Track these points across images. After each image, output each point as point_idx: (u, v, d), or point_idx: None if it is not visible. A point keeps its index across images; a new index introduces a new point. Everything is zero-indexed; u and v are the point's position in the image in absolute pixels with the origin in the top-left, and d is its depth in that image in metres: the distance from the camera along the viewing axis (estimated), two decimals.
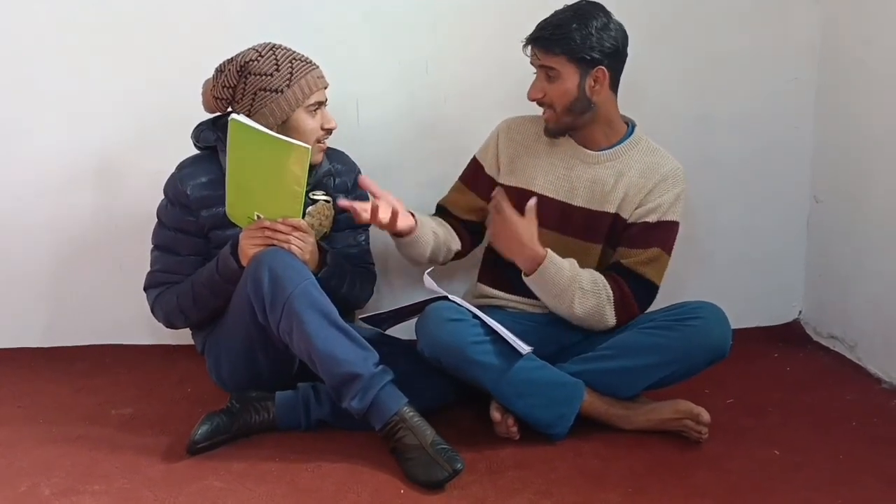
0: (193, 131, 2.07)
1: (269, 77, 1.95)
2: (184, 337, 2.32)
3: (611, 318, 2.02)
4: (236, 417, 1.96)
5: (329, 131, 2.05)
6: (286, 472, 1.83)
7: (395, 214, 1.96)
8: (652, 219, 2.06)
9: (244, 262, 1.91)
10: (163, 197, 2.08)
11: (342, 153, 2.19)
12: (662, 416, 1.97)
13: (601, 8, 2.02)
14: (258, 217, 1.89)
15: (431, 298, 1.99)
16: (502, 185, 2.15)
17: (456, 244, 2.19)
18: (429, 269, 2.01)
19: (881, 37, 2.30)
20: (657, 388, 2.01)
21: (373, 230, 2.26)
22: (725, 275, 2.64)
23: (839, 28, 2.48)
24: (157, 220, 2.09)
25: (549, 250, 1.99)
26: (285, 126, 1.97)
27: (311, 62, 2.01)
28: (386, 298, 2.46)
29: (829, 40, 2.51)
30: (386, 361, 1.89)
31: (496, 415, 1.96)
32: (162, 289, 2.07)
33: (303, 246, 1.91)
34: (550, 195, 2.10)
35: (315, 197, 2.08)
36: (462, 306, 1.95)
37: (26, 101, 2.44)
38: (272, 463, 1.87)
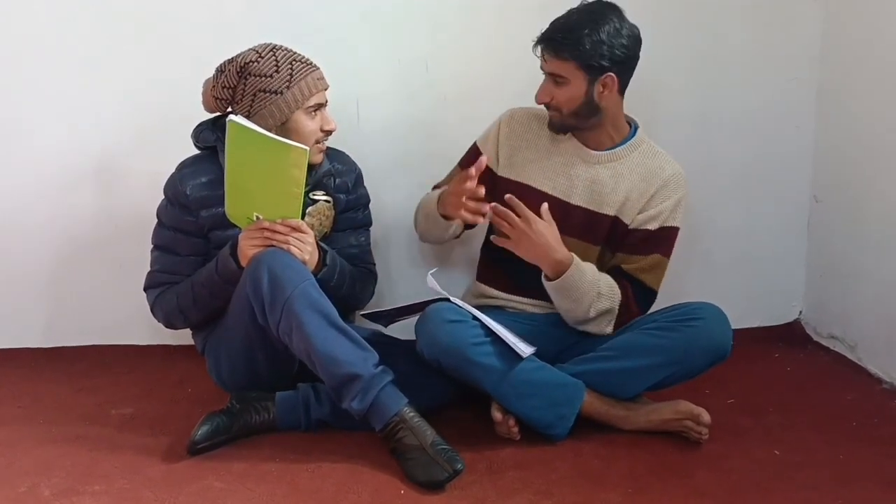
0: (193, 131, 2.07)
1: (268, 78, 1.95)
2: (184, 337, 2.32)
3: (611, 326, 2.03)
4: (236, 418, 1.96)
5: (328, 133, 2.04)
6: (286, 472, 1.83)
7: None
8: (653, 226, 2.06)
9: (243, 263, 1.91)
10: (163, 197, 2.08)
11: (342, 153, 2.18)
12: (663, 417, 1.97)
13: (616, 10, 1.98)
14: (257, 218, 1.89)
15: (432, 299, 1.98)
16: (500, 178, 2.14)
17: (460, 229, 2.18)
18: (432, 270, 2.01)
19: (881, 37, 2.30)
20: (658, 388, 2.01)
21: (375, 229, 2.27)
22: (726, 275, 2.64)
23: (840, 28, 2.48)
24: (157, 220, 2.09)
25: (574, 255, 1.98)
26: (285, 127, 1.97)
27: (311, 64, 2.01)
28: (386, 299, 2.46)
29: (830, 40, 2.51)
30: (386, 362, 1.89)
31: (497, 415, 1.96)
32: (162, 289, 2.07)
33: (302, 246, 1.91)
34: (548, 192, 2.09)
35: (315, 197, 2.08)
36: (463, 308, 1.95)
37: (26, 101, 2.44)
38: (272, 463, 1.87)
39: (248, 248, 1.90)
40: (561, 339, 2.09)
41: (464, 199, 1.94)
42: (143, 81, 2.42)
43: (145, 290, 2.11)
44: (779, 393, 2.24)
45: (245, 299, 1.88)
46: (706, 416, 1.93)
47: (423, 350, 1.94)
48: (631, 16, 2.04)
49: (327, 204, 2.10)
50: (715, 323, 1.96)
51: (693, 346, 1.94)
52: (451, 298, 1.97)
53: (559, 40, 1.95)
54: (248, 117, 1.95)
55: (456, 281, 2.47)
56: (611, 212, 2.07)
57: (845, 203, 2.49)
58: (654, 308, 2.09)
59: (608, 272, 2.06)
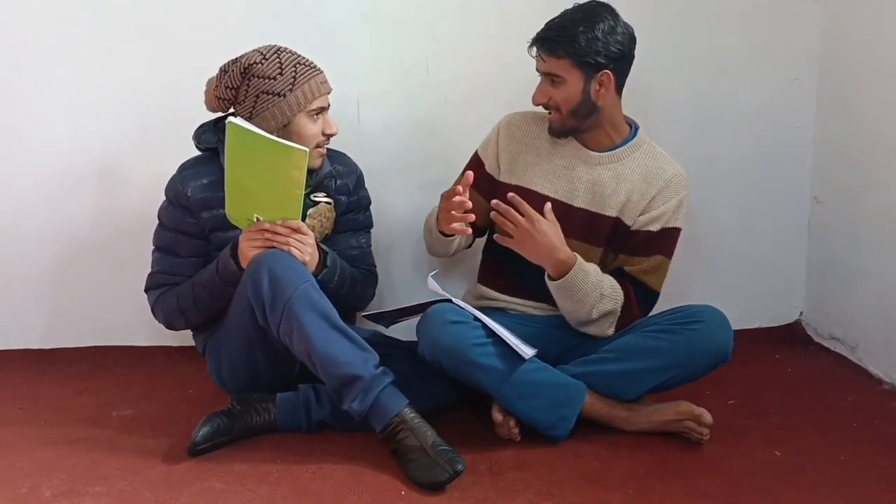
0: (195, 133, 2.07)
1: (272, 81, 1.95)
2: (185, 338, 2.32)
3: (612, 328, 2.03)
4: (237, 419, 1.96)
5: (330, 137, 2.04)
6: (287, 473, 1.83)
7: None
8: (655, 227, 2.06)
9: (244, 264, 1.91)
10: (163, 198, 2.08)
11: (343, 155, 2.19)
12: (664, 418, 1.97)
13: (609, 10, 1.99)
14: (258, 219, 1.89)
15: (434, 301, 1.98)
16: (502, 184, 2.14)
17: (466, 241, 2.20)
18: (433, 272, 2.01)
19: (881, 37, 2.30)
20: (659, 391, 2.01)
21: (376, 231, 2.27)
22: (726, 276, 2.64)
23: (840, 28, 2.48)
24: (157, 221, 2.09)
25: (577, 255, 1.98)
26: (286, 130, 1.97)
27: (315, 67, 2.01)
28: (387, 300, 2.46)
29: (830, 40, 2.51)
30: (386, 363, 1.89)
31: (498, 416, 1.96)
32: (162, 290, 2.07)
33: (302, 248, 1.91)
34: (550, 195, 2.09)
35: (316, 199, 2.09)
36: (464, 309, 1.95)
37: (27, 103, 2.44)
38: (273, 464, 1.87)
39: (248, 249, 1.90)
40: (562, 341, 2.09)
41: (453, 213, 1.95)
42: (144, 83, 2.42)
43: (146, 291, 2.11)
44: (780, 394, 2.24)
45: (245, 300, 1.88)
46: (707, 417, 1.93)
47: (424, 351, 1.94)
48: (631, 16, 2.04)
49: (328, 206, 2.10)
50: (716, 326, 1.96)
51: (694, 350, 1.94)
52: (453, 300, 1.97)
53: (554, 38, 1.96)
54: (250, 118, 1.96)
55: (457, 283, 2.48)
56: (612, 213, 2.07)
57: (845, 203, 2.49)
58: (655, 310, 2.09)
59: (610, 274, 2.06)
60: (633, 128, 2.12)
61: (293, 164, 1.79)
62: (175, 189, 2.04)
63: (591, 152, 2.09)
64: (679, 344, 1.94)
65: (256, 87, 1.95)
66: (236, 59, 1.99)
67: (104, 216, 2.50)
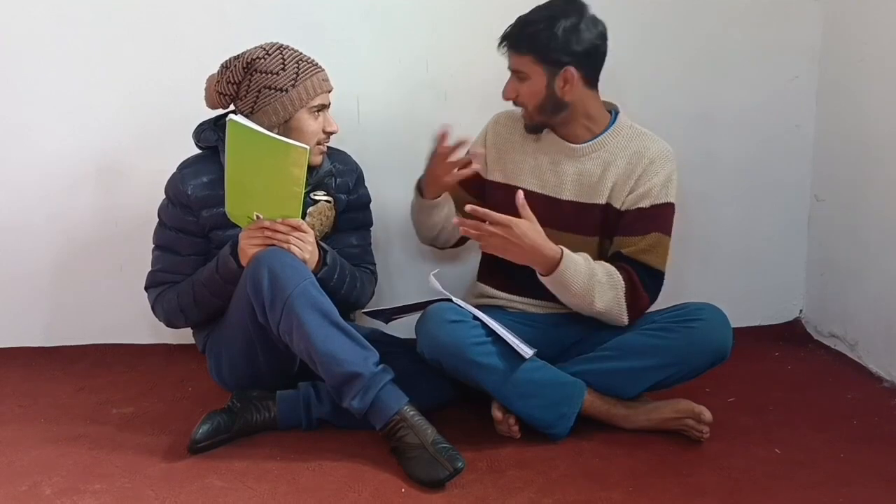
0: (195, 131, 2.07)
1: (274, 75, 1.95)
2: (185, 336, 2.32)
3: (624, 314, 2.00)
4: (237, 416, 1.96)
5: (330, 135, 2.05)
6: (287, 471, 1.83)
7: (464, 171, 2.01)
8: (645, 204, 2.03)
9: (244, 262, 1.91)
10: (164, 197, 2.08)
11: (344, 153, 2.19)
12: (663, 416, 1.97)
13: (577, 6, 1.98)
14: (258, 217, 1.89)
15: (434, 299, 1.98)
16: (490, 182, 2.15)
17: (459, 232, 2.17)
18: (434, 271, 2.01)
19: (882, 36, 2.30)
20: (658, 389, 2.01)
21: (376, 229, 2.27)
22: (726, 273, 2.64)
23: (840, 27, 2.48)
24: (158, 219, 2.09)
25: (563, 248, 1.95)
26: (287, 126, 1.97)
27: (317, 65, 2.01)
28: (387, 298, 2.46)
29: (830, 39, 2.51)
30: (386, 360, 1.89)
31: (497, 413, 1.96)
32: (163, 288, 2.07)
33: (302, 245, 1.91)
34: (538, 190, 2.10)
35: (316, 197, 2.09)
36: (464, 308, 1.95)
37: (27, 101, 2.44)
38: (273, 462, 1.87)
39: (248, 247, 1.90)
40: (561, 339, 2.09)
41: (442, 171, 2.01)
42: (144, 81, 2.43)
43: (146, 289, 2.11)
44: (779, 392, 2.24)
45: (245, 298, 1.88)
46: (707, 415, 1.93)
47: (423, 350, 1.94)
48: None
49: (328, 204, 2.11)
50: (715, 324, 1.96)
51: (693, 347, 1.94)
52: (453, 299, 1.97)
53: (515, 35, 1.98)
54: (251, 114, 1.96)
55: (456, 281, 2.47)
56: (601, 200, 2.06)
57: (845, 202, 2.49)
58: (654, 308, 2.08)
59: (610, 259, 2.03)
60: (614, 113, 2.11)
61: (293, 162, 1.80)
62: (175, 187, 2.04)
63: (573, 145, 2.08)
64: (678, 342, 1.94)
65: (259, 81, 1.96)
66: (238, 55, 1.99)
67: (104, 215, 2.50)
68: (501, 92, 2.05)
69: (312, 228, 1.98)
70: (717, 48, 2.53)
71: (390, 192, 2.40)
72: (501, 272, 2.16)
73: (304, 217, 1.99)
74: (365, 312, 2.13)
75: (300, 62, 1.99)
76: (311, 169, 1.97)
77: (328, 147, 2.10)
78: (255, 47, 2.00)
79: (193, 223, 2.04)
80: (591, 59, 2.00)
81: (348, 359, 1.84)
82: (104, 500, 1.73)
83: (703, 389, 2.15)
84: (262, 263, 1.85)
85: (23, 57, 2.42)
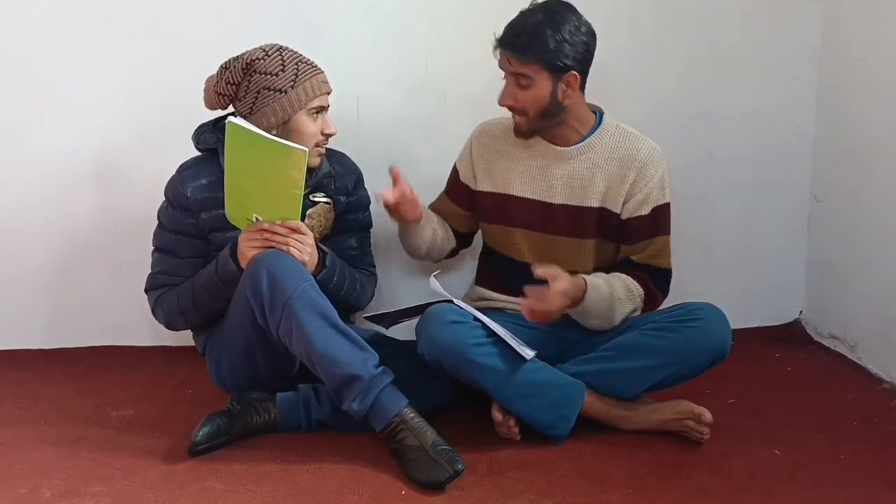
0: (194, 133, 2.07)
1: (273, 77, 1.95)
2: (184, 338, 2.31)
3: (639, 312, 2.06)
4: (237, 419, 1.96)
5: (328, 137, 2.04)
6: (287, 473, 1.83)
7: (407, 199, 2.01)
8: (646, 210, 2.06)
9: (243, 265, 1.91)
10: (163, 199, 2.08)
11: (343, 155, 2.19)
12: (663, 417, 1.97)
13: (571, 8, 1.98)
14: (257, 219, 1.89)
15: (435, 301, 1.98)
16: (480, 192, 2.15)
17: (451, 244, 2.24)
18: (435, 272, 2.01)
19: (881, 36, 2.30)
20: (658, 389, 2.01)
21: (376, 231, 2.27)
22: (726, 274, 2.64)
23: (839, 27, 2.47)
24: (157, 221, 2.09)
25: (584, 278, 1.96)
26: (286, 128, 1.97)
27: (316, 66, 2.01)
28: (387, 301, 2.46)
29: (830, 40, 2.51)
30: (386, 362, 1.89)
31: (497, 415, 1.96)
32: (162, 290, 2.07)
33: (301, 248, 1.91)
34: (529, 196, 2.10)
35: (315, 199, 2.09)
36: (465, 310, 1.95)
37: (27, 102, 2.44)
38: (273, 464, 1.87)
39: (247, 249, 1.90)
40: (561, 340, 2.10)
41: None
42: (144, 83, 2.42)
43: (146, 291, 2.11)
44: (779, 393, 2.24)
45: (245, 301, 1.88)
46: (707, 416, 1.94)
47: (424, 351, 1.94)
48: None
49: (327, 206, 2.11)
50: (714, 323, 1.96)
51: (693, 347, 1.94)
52: (455, 301, 1.97)
53: (525, 44, 1.94)
54: (249, 114, 1.96)
55: (455, 285, 2.47)
56: (595, 203, 2.07)
57: (845, 201, 2.49)
58: None
59: (620, 267, 2.07)
60: (598, 114, 2.11)
61: (292, 164, 1.79)
62: (174, 189, 2.04)
63: (562, 148, 2.09)
64: (678, 341, 1.94)
65: (258, 82, 1.95)
66: (237, 56, 1.99)
67: (104, 216, 2.50)
68: (498, 98, 2.03)
69: (311, 230, 1.98)
70: (716, 48, 2.52)
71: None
72: (500, 275, 2.17)
73: (303, 219, 1.98)
74: (366, 317, 2.12)
75: (299, 63, 1.98)
76: (310, 171, 1.97)
77: (327, 148, 2.09)
78: (255, 48, 1.99)
79: (193, 225, 2.04)
80: (589, 62, 2.01)
81: (348, 361, 1.84)
82: (104, 503, 1.73)
83: (703, 391, 2.15)
84: (261, 265, 1.85)
85: (23, 57, 2.42)
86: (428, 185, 2.30)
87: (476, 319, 1.93)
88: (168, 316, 2.07)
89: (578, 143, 2.08)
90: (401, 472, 1.81)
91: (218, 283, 1.96)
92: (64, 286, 2.54)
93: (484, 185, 2.16)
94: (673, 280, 2.15)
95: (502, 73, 2.03)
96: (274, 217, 1.88)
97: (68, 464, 1.88)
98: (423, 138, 2.49)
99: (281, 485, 1.79)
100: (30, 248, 2.51)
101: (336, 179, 2.13)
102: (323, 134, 2.03)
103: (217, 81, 2.00)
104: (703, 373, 1.99)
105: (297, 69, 1.97)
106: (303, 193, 1.86)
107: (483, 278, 2.24)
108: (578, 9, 2.00)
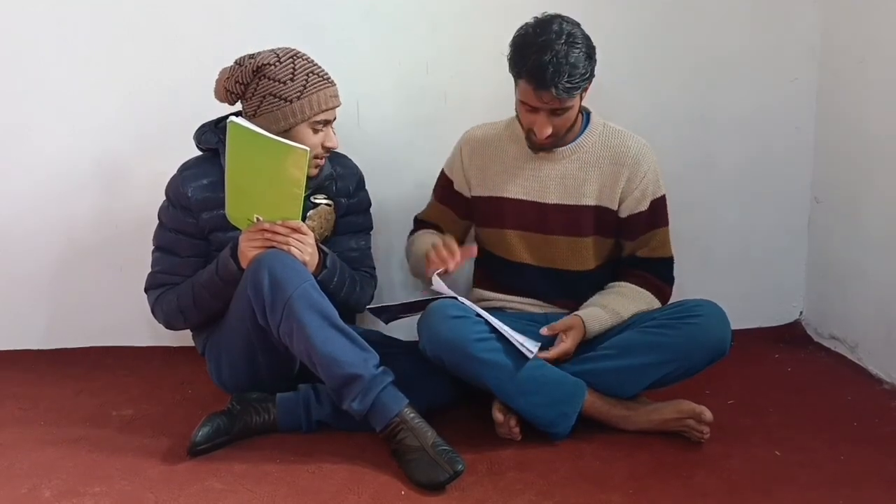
0: (196, 133, 2.07)
1: (281, 84, 1.94)
2: (184, 338, 2.32)
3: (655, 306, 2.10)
4: (237, 419, 1.96)
5: (329, 150, 2.04)
6: (287, 473, 1.83)
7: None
8: (645, 206, 2.08)
9: (244, 265, 1.91)
10: (164, 198, 2.08)
11: (344, 157, 2.18)
12: (664, 417, 1.97)
13: (576, 24, 1.95)
14: (258, 219, 1.89)
15: (438, 297, 1.97)
16: (474, 198, 2.16)
17: None
18: (438, 270, 2.01)
19: (881, 37, 2.30)
20: (658, 387, 2.01)
21: (376, 233, 2.27)
22: (726, 275, 2.64)
23: (839, 28, 2.48)
24: (158, 221, 2.09)
25: (578, 316, 2.02)
26: (286, 135, 1.95)
27: (328, 79, 2.00)
28: (387, 301, 2.45)
29: (830, 40, 2.51)
30: (386, 362, 1.89)
31: (498, 415, 1.96)
32: (162, 290, 2.07)
33: (302, 248, 1.91)
34: (523, 197, 2.11)
35: (316, 201, 2.09)
36: (467, 306, 1.95)
37: (27, 103, 2.44)
38: (273, 464, 1.87)
39: (248, 249, 1.90)
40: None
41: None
42: (145, 83, 2.43)
43: (146, 291, 2.11)
44: (779, 393, 2.24)
45: (245, 300, 1.88)
46: (708, 415, 1.93)
47: (425, 346, 1.93)
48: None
49: (328, 207, 2.11)
50: (714, 320, 1.96)
51: (692, 344, 1.95)
52: (458, 297, 1.97)
53: (573, 85, 1.90)
54: (253, 117, 1.96)
55: (454, 286, 2.47)
56: (591, 202, 2.09)
57: (845, 203, 2.49)
58: None
59: (627, 264, 2.10)
60: (585, 114, 2.12)
61: (293, 164, 1.79)
62: (175, 189, 2.04)
63: (553, 149, 2.09)
64: (677, 338, 1.94)
65: (265, 87, 1.95)
66: (254, 54, 1.98)
67: (104, 216, 2.50)
68: (536, 133, 1.98)
69: (312, 231, 1.98)
70: (716, 50, 2.52)
71: (390, 194, 2.41)
72: (498, 275, 2.17)
73: (304, 220, 1.98)
74: (369, 309, 2.11)
75: (310, 74, 1.97)
76: (309, 177, 1.96)
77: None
78: (271, 51, 1.98)
79: (193, 225, 2.04)
80: None
81: (348, 360, 1.84)
82: (104, 503, 1.73)
83: (704, 391, 2.15)
84: (262, 265, 1.85)
85: (23, 57, 2.42)
86: (428, 186, 2.30)
87: (478, 316, 1.93)
88: (167, 315, 2.07)
89: (570, 143, 2.09)
90: (401, 473, 1.81)
91: (218, 283, 1.96)
92: (64, 287, 2.55)
93: (478, 191, 2.17)
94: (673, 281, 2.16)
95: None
96: (275, 217, 1.88)
97: (68, 464, 1.88)
98: (423, 140, 2.49)
99: (281, 485, 1.79)
100: (30, 248, 2.51)
101: (337, 181, 2.13)
102: (323, 147, 2.02)
103: (228, 77, 1.99)
104: (703, 370, 1.99)
105: (306, 80, 1.96)
106: (304, 194, 1.86)
107: (481, 281, 2.25)
108: (578, 12, 1.99)
